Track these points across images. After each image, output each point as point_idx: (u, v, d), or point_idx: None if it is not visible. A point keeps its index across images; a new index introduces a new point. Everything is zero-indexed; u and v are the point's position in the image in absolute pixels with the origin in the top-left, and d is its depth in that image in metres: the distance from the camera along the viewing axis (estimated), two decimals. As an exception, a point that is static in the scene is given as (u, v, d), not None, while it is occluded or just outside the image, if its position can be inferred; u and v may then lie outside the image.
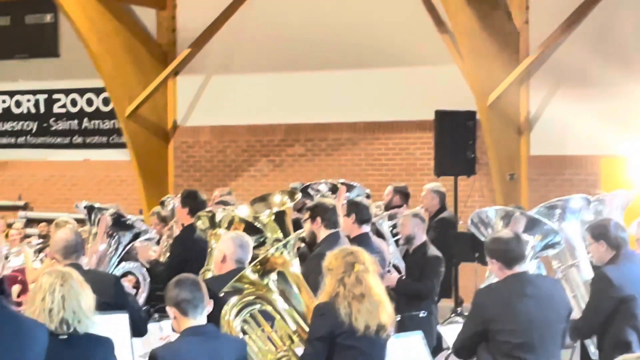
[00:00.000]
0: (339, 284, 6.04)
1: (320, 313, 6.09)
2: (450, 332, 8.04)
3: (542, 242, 7.31)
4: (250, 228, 8.59)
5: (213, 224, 8.81)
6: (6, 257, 13.75)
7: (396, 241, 10.58)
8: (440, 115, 14.31)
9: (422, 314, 9.27)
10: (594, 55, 14.71)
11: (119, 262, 8.39)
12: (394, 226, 10.85)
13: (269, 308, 6.35)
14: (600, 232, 7.47)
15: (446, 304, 12.35)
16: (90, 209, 8.49)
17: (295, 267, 6.44)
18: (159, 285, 8.89)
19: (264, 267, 6.34)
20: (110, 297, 6.80)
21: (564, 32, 15.06)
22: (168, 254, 10.02)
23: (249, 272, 6.32)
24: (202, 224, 8.94)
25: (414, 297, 9.66)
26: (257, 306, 6.35)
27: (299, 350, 6.28)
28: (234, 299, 6.30)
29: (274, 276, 6.35)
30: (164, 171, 18.24)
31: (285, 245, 6.47)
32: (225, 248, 7.18)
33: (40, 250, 10.52)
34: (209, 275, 8.00)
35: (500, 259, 6.51)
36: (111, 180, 18.77)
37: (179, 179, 18.19)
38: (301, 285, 6.43)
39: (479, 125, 14.68)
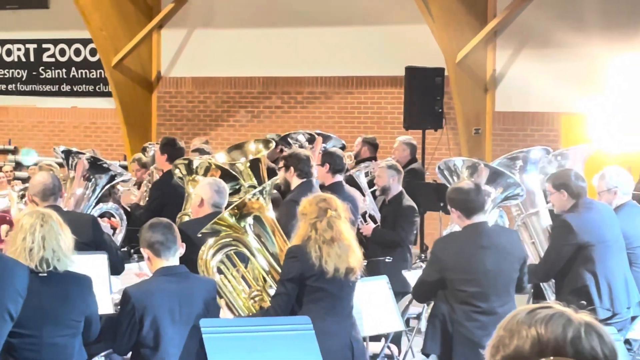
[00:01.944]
0: (311, 228, 6.00)
1: (292, 255, 6.07)
2: (413, 277, 8.03)
3: (503, 194, 7.27)
4: (227, 175, 8.52)
5: (190, 170, 8.73)
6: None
7: (373, 192, 10.51)
8: (410, 71, 14.26)
9: (387, 259, 9.23)
10: (556, 19, 14.66)
11: (97, 204, 8.29)
12: (368, 174, 10.81)
13: (244, 250, 6.34)
14: (561, 182, 7.43)
15: (412, 250, 12.32)
16: (67, 153, 8.37)
17: (270, 212, 6.41)
18: (138, 227, 8.80)
19: (241, 211, 6.33)
20: (88, 236, 6.75)
21: (529, -5, 14.99)
22: (147, 198, 9.94)
23: (227, 215, 6.30)
24: (179, 171, 8.85)
25: (388, 244, 9.61)
26: (233, 248, 6.35)
27: (272, 290, 6.27)
28: (211, 240, 6.30)
29: (250, 220, 6.34)
30: (148, 120, 18.15)
31: (261, 192, 6.45)
32: (202, 193, 7.14)
33: (23, 196, 10.41)
34: (186, 219, 7.92)
35: (460, 208, 6.47)
36: (97, 127, 18.65)
37: (161, 127, 18.09)
38: (275, 229, 6.42)
39: (447, 82, 14.64)
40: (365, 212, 9.98)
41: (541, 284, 7.97)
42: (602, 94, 14.42)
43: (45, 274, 5.09)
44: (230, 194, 7.71)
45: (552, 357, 2.25)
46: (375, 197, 10.48)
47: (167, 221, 5.83)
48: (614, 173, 7.98)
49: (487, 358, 2.38)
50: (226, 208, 6.84)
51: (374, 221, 9.93)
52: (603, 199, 7.77)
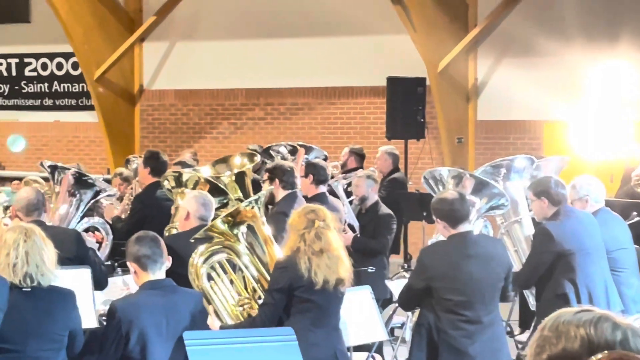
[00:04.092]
0: (300, 239, 6.02)
1: (281, 266, 6.08)
2: (397, 287, 8.06)
3: (488, 204, 7.30)
4: (215, 189, 8.53)
5: (179, 183, 8.74)
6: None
7: (350, 201, 10.56)
8: (392, 81, 14.30)
9: (370, 269, 9.26)
10: (537, 27, 14.73)
11: (82, 218, 8.29)
12: (349, 184, 10.83)
13: (235, 258, 6.34)
14: (541, 189, 7.45)
15: (395, 259, 12.35)
16: (53, 168, 8.38)
17: (264, 222, 6.41)
18: (119, 240, 8.82)
19: (235, 219, 6.33)
20: (72, 251, 6.73)
21: (510, 5, 15.06)
22: (129, 211, 9.93)
23: (220, 223, 6.29)
24: (168, 183, 8.86)
25: (369, 253, 9.64)
26: (224, 255, 6.34)
27: (261, 300, 6.26)
28: (202, 247, 6.30)
29: (243, 228, 6.34)
30: (131, 133, 18.15)
31: (256, 201, 6.45)
32: (188, 206, 7.15)
33: (7, 207, 10.39)
34: (174, 232, 7.93)
35: (445, 218, 6.48)
36: (80, 141, 18.63)
37: (145, 140, 18.09)
38: (268, 239, 6.41)
39: (428, 92, 14.69)
40: (345, 221, 10.02)
41: (524, 291, 8.01)
42: (584, 101, 14.50)
43: (29, 289, 5.09)
44: (218, 208, 7.72)
45: (606, 351, 2.31)
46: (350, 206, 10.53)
47: (153, 234, 5.83)
48: (584, 182, 8.01)
49: (529, 357, 2.44)
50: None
51: (353, 230, 9.96)
52: (575, 207, 7.81)
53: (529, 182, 7.94)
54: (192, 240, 6.31)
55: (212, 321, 6.11)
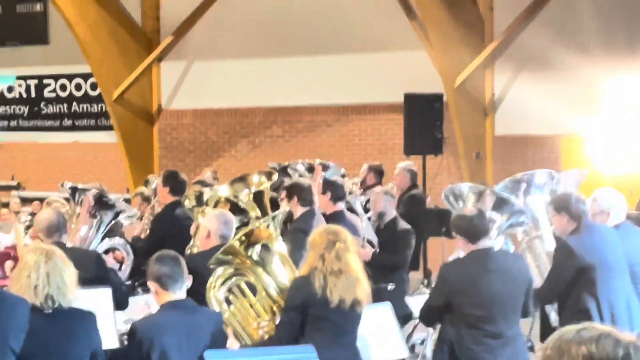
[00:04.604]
0: (320, 259, 6.04)
1: (296, 285, 6.10)
2: (417, 303, 8.02)
3: (508, 221, 7.27)
4: (236, 208, 8.54)
5: (200, 202, 8.74)
6: (-5, 235, 13.65)
7: (368, 218, 10.55)
8: (409, 98, 14.30)
9: (390, 286, 9.23)
10: (554, 41, 14.71)
11: (103, 239, 8.30)
12: (368, 201, 10.82)
13: (252, 280, 6.30)
14: (561, 204, 7.43)
15: (415, 276, 12.32)
16: (74, 190, 8.40)
17: (279, 241, 6.39)
18: (139, 260, 8.83)
19: (249, 239, 6.29)
20: (92, 272, 6.72)
21: (526, 19, 15.04)
22: (148, 231, 9.94)
23: (235, 243, 6.26)
24: (189, 202, 8.87)
25: (388, 268, 9.62)
26: (242, 277, 6.31)
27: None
28: (220, 270, 6.27)
29: (258, 248, 6.30)
30: (150, 152, 18.19)
31: (272, 219, 6.42)
32: (209, 225, 7.13)
33: (29, 227, 10.43)
34: (195, 251, 7.93)
35: (465, 234, 6.48)
36: (99, 161, 18.69)
37: (163, 159, 18.13)
38: (285, 260, 6.38)
39: (446, 107, 14.68)
40: (363, 238, 10.01)
41: (545, 307, 7.97)
42: (602, 115, 14.46)
43: (50, 311, 5.09)
44: (239, 227, 7.70)
45: None
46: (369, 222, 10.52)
47: (174, 254, 5.82)
48: (605, 195, 7.99)
49: None
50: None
51: (372, 245, 9.94)
52: (596, 221, 7.78)
53: (549, 196, 7.91)
54: (211, 266, 6.28)
55: (232, 344, 6.09)
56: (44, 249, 5.22)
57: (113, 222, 8.38)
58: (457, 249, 7.13)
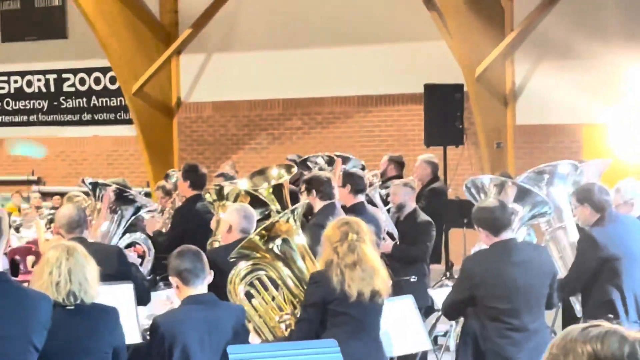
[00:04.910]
0: (334, 252, 5.99)
1: (314, 281, 6.06)
2: (440, 296, 8.01)
3: (530, 212, 7.22)
4: (256, 201, 8.52)
5: (221, 196, 8.73)
6: (17, 230, 13.72)
7: (387, 210, 10.52)
8: (429, 88, 14.24)
9: (412, 278, 9.20)
10: (575, 29, 14.63)
11: (123, 234, 8.30)
12: (387, 194, 10.79)
13: (273, 274, 6.28)
14: (584, 195, 7.41)
15: (437, 267, 12.29)
16: (94, 185, 8.41)
17: (299, 235, 6.36)
18: (161, 254, 8.84)
19: (269, 233, 6.27)
20: (114, 268, 6.74)
21: (546, 7, 14.98)
22: (170, 225, 9.95)
23: (255, 237, 6.24)
24: (210, 196, 8.87)
25: (409, 261, 9.59)
26: (262, 272, 6.29)
27: (299, 315, 6.23)
28: (241, 265, 6.25)
29: (278, 242, 6.28)
30: (169, 145, 18.21)
31: (292, 212, 6.39)
32: (231, 219, 7.12)
33: (51, 221, 10.45)
34: (216, 245, 7.93)
35: (487, 227, 6.43)
36: (119, 155, 18.74)
37: (183, 152, 18.15)
38: (305, 253, 6.36)
39: (466, 97, 14.62)
40: (384, 230, 9.98)
41: (569, 298, 7.93)
42: (624, 103, 14.38)
43: (73, 307, 5.09)
44: (260, 220, 7.69)
45: None
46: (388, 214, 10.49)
47: (195, 249, 5.82)
48: (629, 186, 7.96)
49: None
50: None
51: (392, 238, 9.92)
52: (620, 211, 7.73)
53: (572, 187, 7.87)
54: (231, 260, 6.27)
55: (253, 339, 6.08)
56: (65, 245, 5.22)
57: (134, 217, 8.37)
58: (479, 241, 7.10)
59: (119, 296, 6.38)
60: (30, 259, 12.88)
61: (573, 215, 7.84)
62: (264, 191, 8.95)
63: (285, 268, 6.29)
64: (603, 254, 7.18)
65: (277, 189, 9.02)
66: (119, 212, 8.14)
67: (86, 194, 9.71)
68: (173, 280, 5.71)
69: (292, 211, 6.40)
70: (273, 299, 6.31)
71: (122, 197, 8.24)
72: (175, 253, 5.76)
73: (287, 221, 6.32)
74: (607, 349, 2.33)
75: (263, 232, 6.26)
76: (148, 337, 6.29)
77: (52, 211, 11.64)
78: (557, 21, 14.94)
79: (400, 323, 7.20)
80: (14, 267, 12.63)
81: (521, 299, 6.36)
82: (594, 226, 7.33)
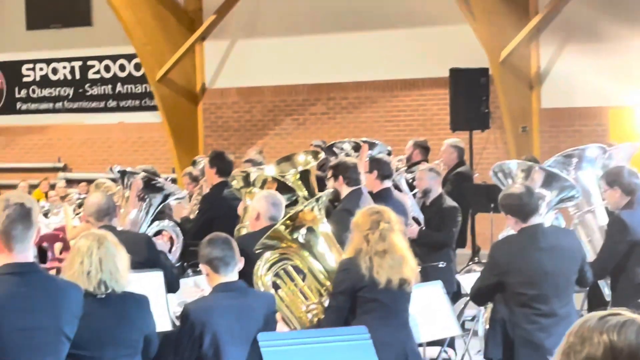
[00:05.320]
0: (364, 240, 5.99)
1: (343, 268, 6.06)
2: (468, 281, 8.00)
3: (558, 197, 7.19)
4: (283, 187, 8.51)
5: (247, 183, 8.73)
6: (45, 215, 13.77)
7: (413, 195, 10.50)
8: (455, 73, 14.21)
9: (441, 264, 9.17)
10: (601, 12, 14.55)
11: (152, 222, 8.31)
12: (414, 179, 10.77)
13: (298, 263, 6.28)
14: (614, 178, 7.37)
15: (463, 251, 12.26)
16: (123, 173, 8.42)
17: (324, 223, 6.35)
18: (188, 241, 8.86)
19: (294, 223, 6.26)
20: (143, 256, 6.75)
21: (572, -11, 14.89)
22: (197, 212, 9.97)
23: (280, 227, 6.24)
24: (236, 183, 8.87)
25: (435, 246, 9.57)
26: (289, 261, 6.29)
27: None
28: (267, 254, 6.25)
29: (303, 231, 6.27)
30: (194, 131, 18.24)
31: (317, 201, 6.38)
32: (258, 206, 7.11)
33: (80, 206, 10.46)
34: (244, 231, 7.93)
35: (515, 213, 6.41)
36: (144, 141, 18.78)
37: (208, 138, 18.17)
38: (330, 241, 6.35)
39: (491, 81, 14.57)
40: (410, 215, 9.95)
41: (598, 281, 7.90)
42: (650, 86, 14.30)
43: (104, 296, 5.11)
44: (288, 205, 7.69)
45: None
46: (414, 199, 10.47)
47: (225, 236, 5.82)
48: (658, 169, 7.91)
49: None
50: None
51: (418, 223, 9.89)
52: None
53: (601, 171, 7.83)
54: (257, 251, 6.26)
55: (281, 328, 6.08)
56: (96, 234, 5.24)
57: (162, 205, 8.38)
58: (508, 227, 7.07)
59: (148, 284, 6.39)
60: (58, 245, 12.93)
61: (602, 199, 7.81)
62: (291, 177, 8.93)
63: (311, 257, 6.28)
64: (632, 237, 7.15)
65: (304, 175, 9.00)
66: (148, 200, 8.15)
67: (113, 180, 9.75)
68: (203, 268, 5.72)
69: (317, 200, 6.39)
70: (299, 288, 6.30)
71: (151, 185, 8.24)
72: (205, 241, 5.76)
73: (312, 210, 6.32)
74: (624, 340, 2.30)
75: (288, 221, 6.25)
76: (177, 324, 6.32)
77: (82, 196, 11.66)
78: (582, 4, 14.86)
79: (429, 309, 7.20)
80: (42, 254, 12.69)
81: (550, 285, 6.33)
82: (623, 209, 7.30)
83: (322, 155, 9.86)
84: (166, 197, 8.33)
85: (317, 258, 6.29)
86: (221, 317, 5.54)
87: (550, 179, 7.23)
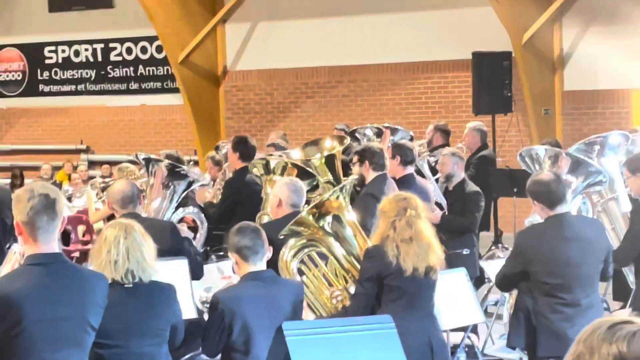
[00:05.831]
0: (391, 227, 5.97)
1: (369, 255, 6.05)
2: (491, 267, 8.00)
3: (584, 182, 7.17)
4: (303, 172, 8.50)
5: (267, 170, 8.74)
6: (69, 199, 13.81)
7: (436, 180, 10.47)
8: (478, 56, 14.13)
9: (464, 251, 9.16)
10: (624, -6, 14.44)
11: (176, 209, 8.32)
12: (437, 162, 10.73)
13: (324, 250, 6.29)
14: (637, 165, 7.34)
15: (486, 234, 12.24)
16: (147, 161, 8.43)
17: (349, 211, 6.35)
18: (211, 226, 8.86)
19: (320, 211, 6.27)
20: (168, 243, 6.75)
21: (595, -29, 14.79)
22: (220, 197, 9.98)
23: (305, 215, 6.25)
24: (257, 170, 8.87)
25: (458, 231, 9.54)
26: (314, 248, 6.30)
27: (353, 290, 6.23)
28: (291, 241, 6.26)
29: (329, 219, 6.27)
30: (216, 114, 18.25)
31: (341, 190, 6.38)
32: (280, 193, 7.11)
33: (104, 189, 10.49)
34: (265, 219, 7.93)
35: (542, 200, 6.39)
36: (166, 123, 18.80)
37: (230, 121, 18.17)
38: (356, 228, 6.35)
39: (514, 64, 14.49)
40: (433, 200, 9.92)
41: (623, 269, 7.87)
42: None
43: (131, 285, 5.13)
44: (308, 191, 7.68)
45: None
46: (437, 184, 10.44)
47: (254, 225, 5.84)
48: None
49: None
50: (304, 206, 6.85)
51: (440, 208, 9.86)
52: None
53: (624, 158, 7.79)
54: (281, 237, 6.27)
55: (307, 315, 6.09)
56: (123, 223, 5.25)
57: (186, 191, 8.39)
58: (534, 212, 7.05)
59: (173, 272, 6.41)
60: (81, 228, 12.97)
61: (625, 186, 7.77)
62: (317, 161, 8.93)
63: (337, 244, 6.29)
64: (657, 225, 7.11)
65: (330, 160, 9.00)
66: (172, 187, 8.16)
67: (132, 162, 9.76)
68: (232, 256, 5.73)
69: (341, 188, 6.39)
70: (324, 274, 6.31)
71: (175, 173, 8.25)
72: (234, 230, 5.77)
73: (337, 198, 6.32)
74: (634, 351, 2.28)
75: (314, 209, 6.26)
76: (206, 310, 6.34)
77: (106, 180, 11.69)
78: (606, -14, 14.76)
79: (453, 296, 7.20)
80: (65, 237, 12.73)
81: (574, 274, 6.31)
82: (646, 196, 7.27)
83: (348, 140, 9.84)
84: (190, 184, 8.34)
85: (342, 245, 6.30)
86: (251, 306, 5.55)
87: (576, 166, 7.22)
